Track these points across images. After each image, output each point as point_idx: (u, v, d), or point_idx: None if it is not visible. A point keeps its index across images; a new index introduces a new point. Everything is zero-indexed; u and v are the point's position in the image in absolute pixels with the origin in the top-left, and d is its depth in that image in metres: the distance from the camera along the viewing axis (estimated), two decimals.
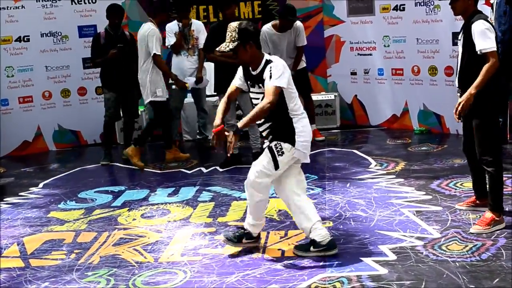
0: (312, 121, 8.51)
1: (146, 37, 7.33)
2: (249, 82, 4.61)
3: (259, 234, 4.77)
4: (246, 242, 4.69)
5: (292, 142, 4.42)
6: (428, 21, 8.25)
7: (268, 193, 4.59)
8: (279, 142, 4.45)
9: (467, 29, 4.70)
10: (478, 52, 4.58)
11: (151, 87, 7.46)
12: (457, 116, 4.67)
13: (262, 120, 4.49)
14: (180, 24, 8.13)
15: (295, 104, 4.46)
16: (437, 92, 8.23)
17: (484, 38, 4.56)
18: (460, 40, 4.84)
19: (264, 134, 4.62)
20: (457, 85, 4.89)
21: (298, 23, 7.99)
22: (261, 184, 4.50)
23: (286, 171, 4.54)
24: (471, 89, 4.57)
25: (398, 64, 8.74)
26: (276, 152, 4.44)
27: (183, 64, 8.18)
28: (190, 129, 9.09)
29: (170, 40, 8.23)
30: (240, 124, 4.44)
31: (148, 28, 7.37)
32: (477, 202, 5.18)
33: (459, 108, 4.62)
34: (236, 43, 4.43)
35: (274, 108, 4.32)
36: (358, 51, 9.22)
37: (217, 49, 4.60)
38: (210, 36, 7.29)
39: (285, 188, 4.58)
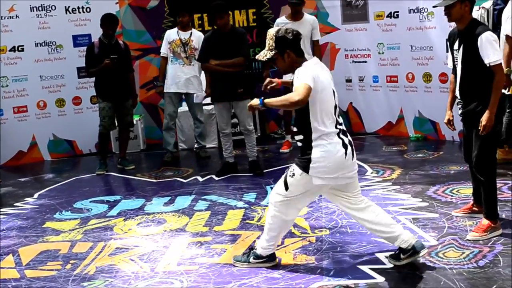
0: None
1: None
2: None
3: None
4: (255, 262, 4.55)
5: (306, 169, 4.21)
6: (422, 28, 8.27)
7: (286, 214, 4.41)
8: (297, 164, 4.28)
9: (468, 39, 4.62)
10: (487, 65, 4.54)
11: None
12: (484, 133, 4.61)
13: (296, 129, 4.31)
14: (181, 32, 8.22)
15: (320, 123, 4.16)
16: (432, 98, 8.24)
17: (493, 51, 4.54)
18: (457, 50, 4.75)
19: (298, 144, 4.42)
20: (458, 96, 4.83)
21: (313, 17, 8.27)
22: (274, 200, 4.40)
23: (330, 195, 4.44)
24: (491, 107, 4.54)
25: (393, 71, 8.76)
26: (289, 172, 4.32)
27: (177, 73, 8.20)
28: (185, 138, 9.07)
29: (163, 47, 8.36)
30: (267, 100, 4.23)
31: None
32: (474, 208, 5.17)
33: (484, 131, 4.57)
34: (274, 52, 4.28)
35: (302, 116, 4.18)
36: (353, 59, 9.24)
37: (256, 57, 4.51)
38: (204, 46, 7.29)
39: (346, 211, 4.52)
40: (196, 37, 8.27)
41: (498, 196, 5.45)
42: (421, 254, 4.32)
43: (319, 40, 8.30)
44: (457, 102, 4.90)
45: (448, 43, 5.02)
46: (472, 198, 5.25)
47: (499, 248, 4.52)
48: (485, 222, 4.77)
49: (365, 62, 9.10)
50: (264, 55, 4.35)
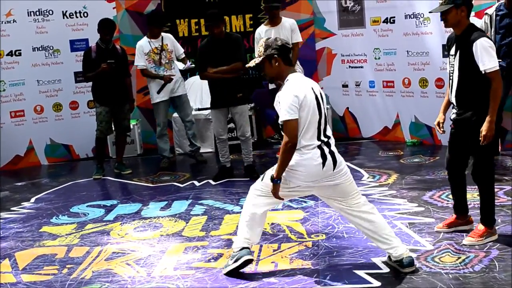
0: None
1: None
2: None
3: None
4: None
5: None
6: (418, 34, 8.30)
7: (256, 208, 4.45)
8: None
9: (465, 45, 4.59)
10: (483, 72, 4.49)
11: None
12: (485, 143, 4.54)
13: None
14: (152, 40, 8.14)
15: (301, 136, 4.20)
16: (428, 104, 8.26)
17: (489, 57, 4.48)
18: (453, 55, 4.72)
19: None
20: (454, 102, 4.77)
21: (292, 20, 8.06)
22: (254, 187, 4.49)
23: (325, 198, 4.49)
24: (491, 116, 4.49)
25: (389, 76, 8.78)
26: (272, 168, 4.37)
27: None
28: (181, 142, 9.07)
29: (139, 60, 8.15)
30: (274, 173, 4.26)
31: None
32: (458, 220, 5.01)
33: (485, 141, 4.51)
34: (261, 58, 4.36)
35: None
36: (349, 64, 9.26)
37: (246, 65, 4.57)
38: (200, 55, 7.27)
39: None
40: (170, 40, 8.28)
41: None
42: (404, 271, 4.30)
43: (299, 42, 8.04)
44: (452, 107, 4.86)
45: (446, 47, 4.99)
46: (454, 211, 5.08)
47: (495, 253, 4.53)
48: (481, 227, 4.76)
49: (362, 67, 9.12)
50: (254, 62, 4.43)
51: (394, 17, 8.54)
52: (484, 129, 4.51)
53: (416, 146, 8.43)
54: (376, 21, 8.78)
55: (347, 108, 9.40)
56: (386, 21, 8.66)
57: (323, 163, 4.21)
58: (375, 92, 9.01)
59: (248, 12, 9.58)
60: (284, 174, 4.23)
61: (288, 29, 7.88)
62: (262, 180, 4.44)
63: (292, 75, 4.33)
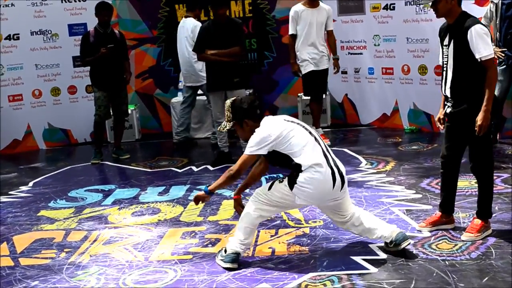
0: (316, 125, 8.19)
1: None
2: None
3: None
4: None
5: (291, 186, 4.27)
6: (418, 20, 8.27)
7: (256, 212, 4.41)
8: (288, 177, 4.32)
9: (459, 33, 4.46)
10: (479, 60, 4.36)
11: None
12: (481, 134, 4.42)
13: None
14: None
15: (301, 157, 4.21)
16: (427, 91, 8.25)
17: (484, 45, 4.35)
18: (447, 45, 4.58)
19: None
20: (448, 95, 4.61)
21: (329, 7, 8.11)
22: (256, 192, 4.47)
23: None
24: (486, 105, 4.36)
25: (388, 63, 8.76)
26: (280, 179, 4.38)
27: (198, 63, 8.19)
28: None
29: None
30: (211, 187, 4.46)
31: None
32: (443, 219, 4.87)
33: (480, 131, 4.38)
34: (232, 123, 4.44)
35: (283, 159, 4.26)
36: (349, 50, 9.24)
37: (217, 129, 4.62)
38: (201, 36, 7.26)
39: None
40: None
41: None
42: (401, 248, 4.33)
43: (333, 30, 8.14)
44: (446, 101, 4.69)
45: (438, 38, 4.82)
46: (439, 208, 4.91)
47: (491, 241, 4.54)
48: (477, 222, 4.67)
49: (361, 54, 9.10)
50: (224, 126, 4.51)
51: (394, 3, 8.51)
52: (479, 118, 4.38)
53: (415, 133, 8.44)
54: (376, 7, 8.75)
55: (346, 94, 9.40)
56: (386, 7, 8.63)
57: (333, 184, 4.26)
58: (374, 79, 9.00)
59: None
60: (293, 189, 4.25)
61: (324, 16, 7.93)
62: (269, 189, 4.39)
63: (262, 122, 4.39)
